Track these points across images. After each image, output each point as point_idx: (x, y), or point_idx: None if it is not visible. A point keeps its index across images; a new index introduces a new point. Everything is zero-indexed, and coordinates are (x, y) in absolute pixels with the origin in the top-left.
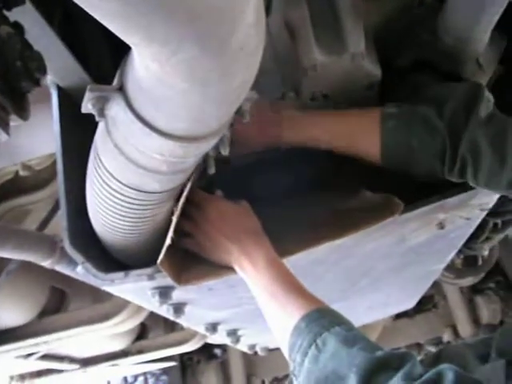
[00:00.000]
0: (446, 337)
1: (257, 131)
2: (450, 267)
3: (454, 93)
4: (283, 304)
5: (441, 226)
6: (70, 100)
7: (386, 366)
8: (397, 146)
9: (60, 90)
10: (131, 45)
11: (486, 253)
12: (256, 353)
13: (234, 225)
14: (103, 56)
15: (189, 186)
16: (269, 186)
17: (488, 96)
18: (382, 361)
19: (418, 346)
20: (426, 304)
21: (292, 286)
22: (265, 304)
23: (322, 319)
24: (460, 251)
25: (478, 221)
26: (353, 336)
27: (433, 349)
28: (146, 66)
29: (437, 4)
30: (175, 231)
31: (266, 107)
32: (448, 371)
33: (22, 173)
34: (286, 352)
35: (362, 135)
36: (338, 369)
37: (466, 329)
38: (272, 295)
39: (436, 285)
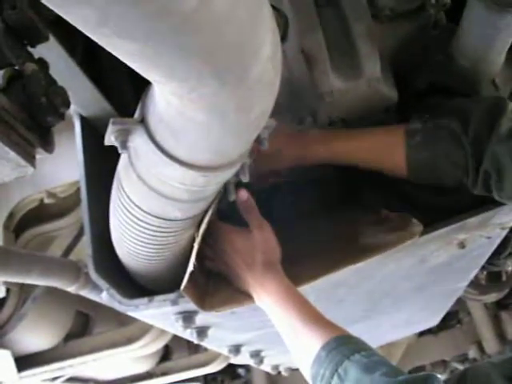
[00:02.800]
0: (472, 353)
1: (285, 144)
2: (473, 284)
3: (478, 107)
4: (302, 334)
5: (462, 245)
6: (92, 129)
7: None
8: (423, 161)
9: (83, 119)
10: (152, 81)
11: (509, 268)
12: (279, 373)
13: (247, 256)
14: (125, 86)
15: (210, 212)
16: (288, 209)
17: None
18: None
19: (444, 363)
20: (450, 321)
21: (308, 314)
22: (284, 334)
23: (341, 347)
24: (483, 267)
25: (500, 239)
26: (373, 362)
27: (458, 366)
28: (166, 100)
29: (451, 26)
30: (198, 256)
31: (292, 127)
32: None
33: (46, 200)
34: (309, 381)
35: (388, 150)
36: None
37: (491, 345)
38: (290, 326)
39: (460, 301)
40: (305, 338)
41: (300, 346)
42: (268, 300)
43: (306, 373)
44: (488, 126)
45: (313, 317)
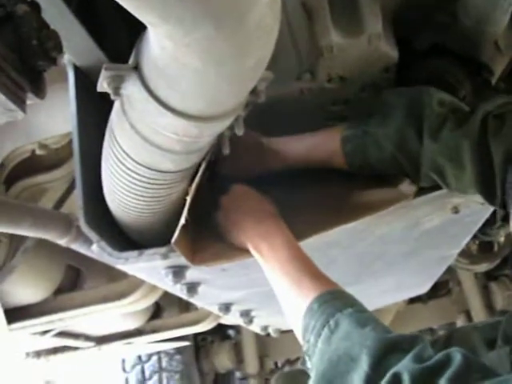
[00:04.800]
0: (460, 323)
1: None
2: (465, 253)
3: (399, 107)
4: (297, 285)
5: (455, 210)
6: (86, 79)
7: (396, 347)
8: (360, 166)
9: (77, 69)
10: (147, 24)
11: (502, 239)
12: (269, 334)
13: (255, 207)
14: (120, 35)
15: (203, 166)
16: (282, 172)
17: (439, 99)
18: (393, 342)
19: (431, 331)
20: (440, 289)
21: (307, 267)
22: (279, 285)
23: (334, 301)
24: (475, 237)
25: None
26: (365, 317)
27: None
28: (161, 44)
29: None
30: (190, 210)
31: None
32: (456, 353)
33: (38, 151)
34: (299, 333)
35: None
36: (349, 349)
37: (479, 315)
38: (287, 276)
39: (451, 270)
40: (299, 289)
41: (293, 298)
42: (268, 251)
43: (297, 325)
44: (414, 131)
45: (310, 270)
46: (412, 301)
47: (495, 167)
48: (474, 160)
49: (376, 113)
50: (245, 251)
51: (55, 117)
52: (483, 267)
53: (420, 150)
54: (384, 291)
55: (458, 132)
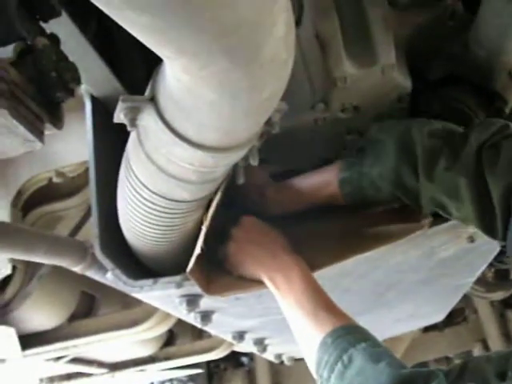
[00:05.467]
0: (476, 351)
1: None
2: (480, 281)
3: (388, 145)
4: (311, 319)
5: (471, 239)
6: (103, 109)
7: (412, 383)
8: (361, 205)
9: (94, 99)
10: (163, 57)
11: None
12: (282, 362)
13: (268, 239)
14: (136, 66)
15: (219, 195)
16: None
17: (428, 131)
18: (408, 378)
19: (447, 359)
20: (456, 317)
21: (322, 301)
22: (293, 318)
23: (348, 335)
24: (491, 265)
25: None
26: (379, 353)
27: None
28: (177, 77)
29: (468, 16)
30: (205, 239)
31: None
32: None
33: (55, 179)
34: (312, 367)
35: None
36: None
37: (496, 343)
38: (302, 309)
39: (466, 298)
40: (313, 323)
41: (307, 332)
42: (284, 284)
43: (311, 359)
44: (410, 168)
45: (325, 304)
46: (427, 329)
47: (494, 203)
48: (473, 197)
49: (367, 150)
50: (259, 282)
51: (72, 145)
52: (499, 295)
53: (418, 187)
54: (398, 320)
55: (453, 168)
